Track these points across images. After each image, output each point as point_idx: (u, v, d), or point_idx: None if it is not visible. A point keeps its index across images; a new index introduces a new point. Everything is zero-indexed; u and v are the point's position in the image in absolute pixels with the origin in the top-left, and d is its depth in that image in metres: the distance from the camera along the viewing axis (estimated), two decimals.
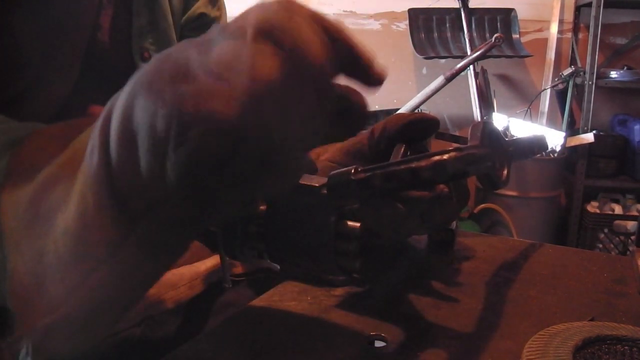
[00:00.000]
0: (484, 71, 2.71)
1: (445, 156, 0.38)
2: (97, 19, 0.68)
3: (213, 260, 0.65)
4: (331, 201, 0.41)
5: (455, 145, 0.42)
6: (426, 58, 2.71)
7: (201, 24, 0.82)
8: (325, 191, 0.41)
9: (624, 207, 2.77)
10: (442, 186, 0.48)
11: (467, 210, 2.58)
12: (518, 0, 2.84)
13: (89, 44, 0.67)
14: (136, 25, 0.72)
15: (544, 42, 2.89)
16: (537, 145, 0.61)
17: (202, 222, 0.32)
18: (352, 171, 0.40)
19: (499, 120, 2.60)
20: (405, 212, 0.45)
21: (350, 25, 3.00)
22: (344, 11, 3.00)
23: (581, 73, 2.66)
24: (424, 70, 2.99)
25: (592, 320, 0.49)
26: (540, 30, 2.93)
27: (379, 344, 0.47)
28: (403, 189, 0.41)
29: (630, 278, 0.59)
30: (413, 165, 0.38)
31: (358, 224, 0.41)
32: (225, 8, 0.88)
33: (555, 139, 2.47)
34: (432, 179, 0.38)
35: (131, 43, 0.71)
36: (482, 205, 2.56)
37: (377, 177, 0.39)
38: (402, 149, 0.50)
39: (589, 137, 2.54)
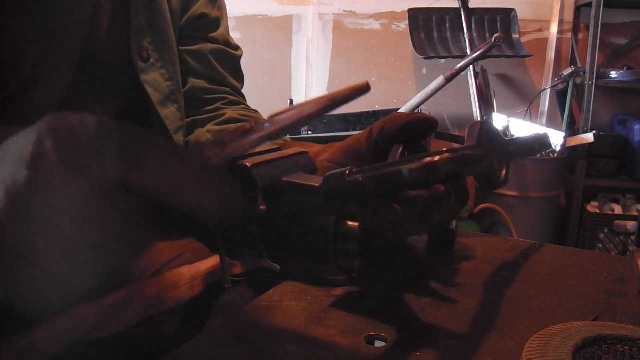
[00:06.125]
0: (484, 71, 2.71)
1: (437, 158, 0.37)
2: (95, 18, 0.68)
3: (213, 260, 0.65)
4: (327, 202, 0.41)
5: (456, 145, 0.42)
6: (426, 58, 2.71)
7: (202, 24, 0.82)
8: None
9: (624, 207, 2.77)
10: (438, 185, 0.48)
11: (467, 210, 2.58)
12: (518, 0, 2.84)
13: (87, 43, 0.67)
14: (134, 25, 0.71)
15: (544, 42, 2.89)
16: (538, 144, 0.61)
17: None
18: (347, 172, 0.40)
19: (499, 120, 2.60)
20: (403, 212, 0.45)
21: (350, 25, 3.00)
22: (343, 11, 3.00)
23: (581, 73, 2.66)
24: (424, 70, 2.99)
25: (595, 319, 0.49)
26: (540, 30, 2.93)
27: (379, 344, 0.47)
28: (396, 191, 0.41)
29: (630, 278, 0.59)
30: (404, 168, 0.38)
31: (358, 224, 0.41)
32: (225, 8, 0.88)
33: (555, 139, 2.47)
34: (423, 182, 0.38)
35: (129, 42, 0.71)
36: (482, 205, 2.56)
37: (369, 181, 0.39)
38: (400, 150, 0.50)
39: (589, 137, 2.54)
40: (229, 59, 0.85)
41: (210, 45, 0.82)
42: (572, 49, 2.92)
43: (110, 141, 0.34)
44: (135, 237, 0.35)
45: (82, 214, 0.33)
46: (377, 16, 3.00)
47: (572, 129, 2.78)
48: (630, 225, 2.61)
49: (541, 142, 0.61)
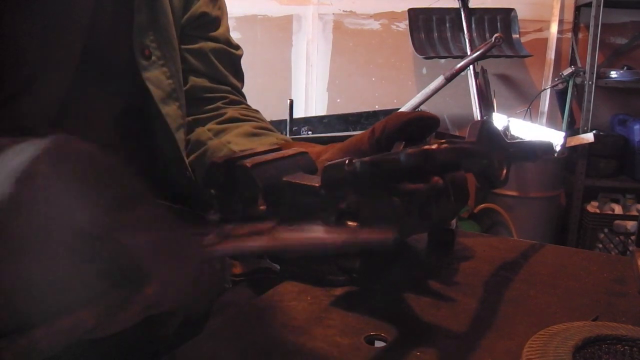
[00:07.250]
0: (484, 71, 2.71)
1: (434, 146, 0.38)
2: (96, 17, 0.68)
3: None
4: (327, 193, 0.41)
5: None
6: (426, 58, 2.71)
7: (203, 23, 0.82)
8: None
9: (624, 207, 2.77)
10: (436, 178, 0.48)
11: (467, 210, 2.58)
12: (518, 0, 2.84)
13: (89, 42, 0.67)
14: (137, 22, 0.72)
15: (544, 42, 2.89)
16: (541, 150, 0.61)
17: None
18: (346, 162, 0.40)
19: (499, 120, 2.60)
20: (402, 205, 0.45)
21: (350, 25, 3.00)
22: (343, 11, 3.00)
23: (581, 73, 2.66)
24: (424, 70, 2.99)
25: (595, 319, 0.49)
26: (540, 30, 2.93)
27: (379, 344, 0.47)
28: (395, 177, 0.41)
29: (630, 278, 0.59)
30: (402, 154, 0.38)
31: (357, 224, 0.41)
32: (225, 7, 0.88)
33: (555, 139, 2.47)
34: (420, 167, 0.38)
35: (132, 40, 0.71)
36: (482, 205, 2.56)
37: (365, 165, 0.39)
38: (402, 147, 0.50)
39: (589, 137, 2.54)
40: (230, 58, 0.85)
41: (211, 44, 0.82)
42: (572, 48, 2.92)
43: (106, 187, 0.32)
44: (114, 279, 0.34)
45: (61, 239, 0.32)
46: (377, 16, 3.00)
47: (572, 129, 2.78)
48: (630, 225, 2.61)
49: (544, 149, 0.62)
